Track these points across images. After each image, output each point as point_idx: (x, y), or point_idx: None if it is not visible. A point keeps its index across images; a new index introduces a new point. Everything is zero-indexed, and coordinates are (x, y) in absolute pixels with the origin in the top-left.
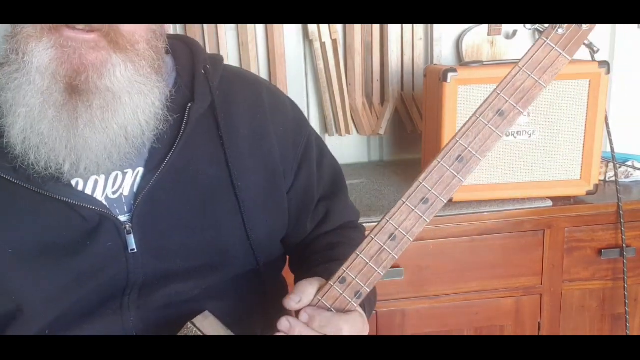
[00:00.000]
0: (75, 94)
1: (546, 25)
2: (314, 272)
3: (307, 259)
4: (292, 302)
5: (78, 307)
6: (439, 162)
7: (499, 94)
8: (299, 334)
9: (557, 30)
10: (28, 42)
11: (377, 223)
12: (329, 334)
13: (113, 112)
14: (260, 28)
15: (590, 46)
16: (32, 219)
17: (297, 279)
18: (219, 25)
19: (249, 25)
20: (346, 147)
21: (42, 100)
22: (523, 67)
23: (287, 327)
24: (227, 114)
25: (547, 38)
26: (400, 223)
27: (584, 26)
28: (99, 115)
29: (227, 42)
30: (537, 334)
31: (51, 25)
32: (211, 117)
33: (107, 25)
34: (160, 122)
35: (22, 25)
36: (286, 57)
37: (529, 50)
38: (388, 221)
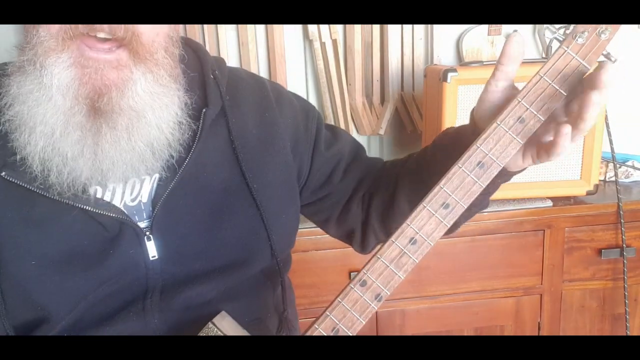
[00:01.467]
0: (99, 116)
1: (561, 29)
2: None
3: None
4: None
5: (98, 310)
6: (460, 168)
7: (519, 101)
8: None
9: (576, 40)
10: (48, 56)
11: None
12: None
13: (138, 131)
14: (260, 28)
15: (608, 56)
16: (53, 229)
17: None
18: (219, 25)
19: (249, 25)
20: None
21: (65, 121)
22: (544, 75)
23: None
24: (237, 117)
25: (567, 47)
26: (420, 227)
27: (603, 36)
28: (125, 136)
29: (227, 42)
30: (537, 334)
31: (69, 37)
32: (222, 120)
33: (124, 29)
34: (184, 132)
35: (41, 37)
36: (286, 57)
37: (549, 59)
38: (409, 225)
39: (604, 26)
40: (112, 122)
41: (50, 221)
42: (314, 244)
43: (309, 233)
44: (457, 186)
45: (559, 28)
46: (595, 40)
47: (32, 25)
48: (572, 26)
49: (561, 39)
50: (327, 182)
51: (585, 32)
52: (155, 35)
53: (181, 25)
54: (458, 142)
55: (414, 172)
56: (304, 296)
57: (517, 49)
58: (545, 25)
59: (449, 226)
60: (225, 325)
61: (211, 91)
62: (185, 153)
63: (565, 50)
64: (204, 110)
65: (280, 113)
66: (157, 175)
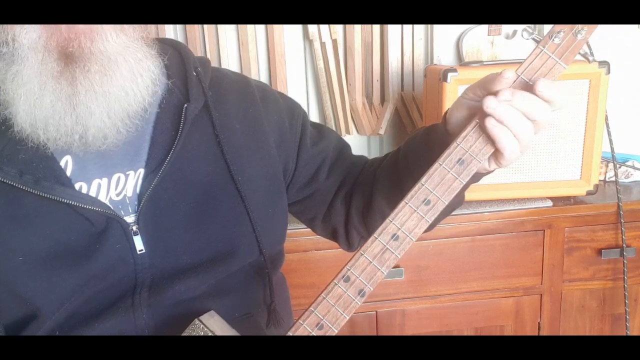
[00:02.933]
0: (71, 61)
1: (543, 33)
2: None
3: (386, 174)
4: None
5: (88, 307)
6: (440, 165)
7: None
8: (505, 111)
9: (553, 40)
10: (14, 28)
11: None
12: (528, 109)
13: (111, 75)
14: (260, 28)
15: (585, 55)
16: (40, 225)
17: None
18: (219, 25)
19: (249, 25)
20: None
21: (39, 72)
22: (521, 74)
23: (495, 104)
24: (221, 112)
25: (543, 47)
26: (402, 223)
27: (579, 36)
28: (98, 79)
29: (227, 42)
30: (537, 334)
31: None
32: (206, 116)
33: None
34: (159, 88)
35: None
36: (286, 57)
37: (526, 59)
38: (391, 221)
39: (579, 26)
40: (84, 67)
41: (36, 217)
42: (314, 244)
43: (309, 233)
44: (438, 183)
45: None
46: (572, 40)
47: None
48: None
49: (538, 39)
50: (312, 180)
51: (562, 32)
52: None
53: (180, 26)
54: (427, 145)
55: (390, 171)
56: (304, 296)
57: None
58: (522, 26)
59: (430, 222)
60: (213, 324)
61: (193, 87)
62: (169, 147)
63: (542, 50)
64: (185, 105)
65: (265, 110)
66: (141, 170)
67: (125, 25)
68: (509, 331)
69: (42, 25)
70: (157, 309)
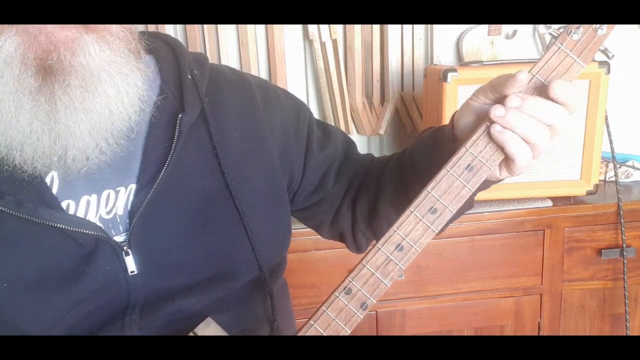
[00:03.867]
0: (50, 75)
1: (559, 29)
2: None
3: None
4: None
5: (77, 330)
6: (448, 171)
7: None
8: (513, 117)
9: (571, 36)
10: None
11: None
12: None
13: (93, 91)
14: (260, 28)
15: (606, 52)
16: (24, 248)
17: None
18: (219, 25)
19: (249, 25)
20: None
21: (15, 89)
22: (536, 73)
23: (502, 112)
24: (218, 120)
25: (561, 44)
26: (407, 233)
27: (600, 31)
28: (79, 95)
29: (227, 42)
30: (537, 334)
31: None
32: (202, 124)
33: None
34: (147, 105)
35: None
36: (286, 57)
37: (542, 56)
38: (395, 231)
39: None
40: (64, 81)
41: (20, 240)
42: (314, 244)
43: (309, 233)
44: (445, 190)
45: (559, 28)
46: (592, 36)
47: None
48: None
49: (556, 35)
50: (320, 186)
51: (581, 28)
52: None
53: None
54: (434, 146)
55: (395, 175)
56: (304, 296)
57: (520, 87)
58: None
59: (437, 232)
60: (208, 334)
61: (188, 94)
62: (162, 161)
63: (559, 47)
64: (179, 116)
65: (267, 115)
66: (132, 186)
67: (109, 38)
68: (509, 331)
69: (20, 33)
70: (149, 331)
